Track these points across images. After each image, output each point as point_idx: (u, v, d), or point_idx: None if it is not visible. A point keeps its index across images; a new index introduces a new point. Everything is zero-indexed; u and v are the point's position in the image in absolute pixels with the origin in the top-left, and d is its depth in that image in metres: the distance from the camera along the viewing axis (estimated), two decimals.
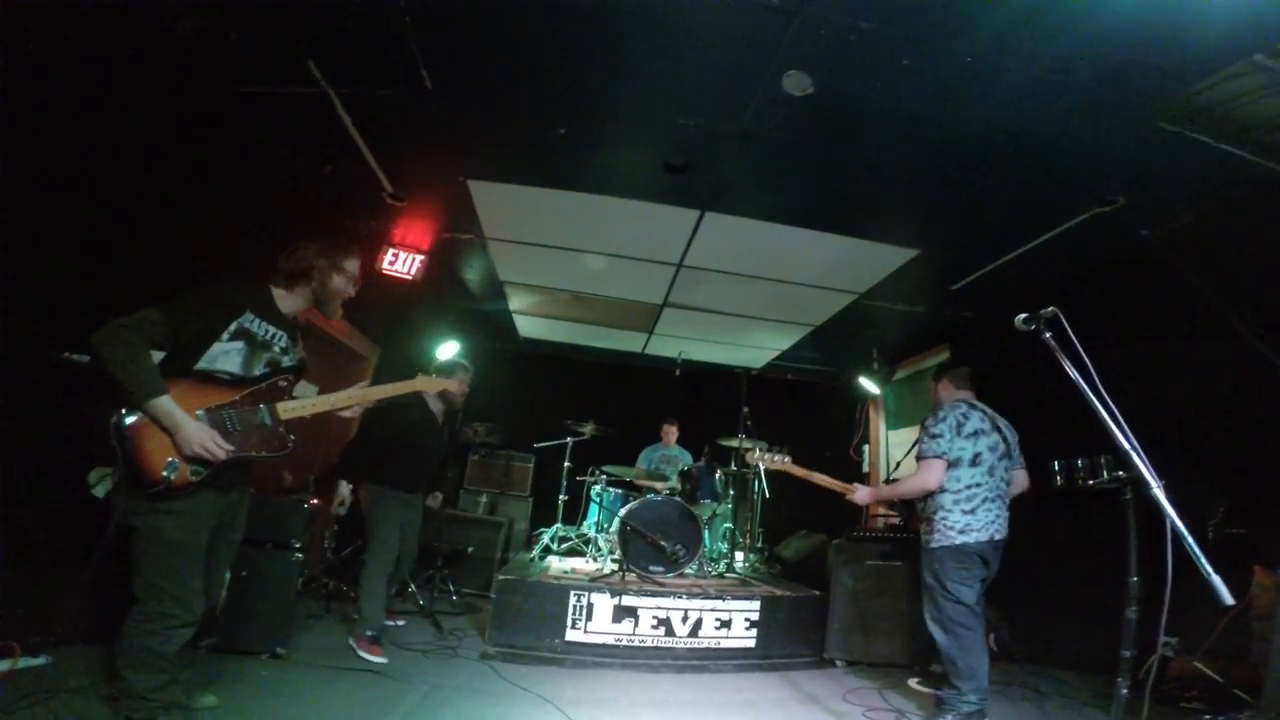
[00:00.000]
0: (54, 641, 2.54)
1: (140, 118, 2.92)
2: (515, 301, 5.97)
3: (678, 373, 5.95)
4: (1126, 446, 1.76)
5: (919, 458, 3.01)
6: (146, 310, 1.91)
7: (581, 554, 4.93)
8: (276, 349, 2.19)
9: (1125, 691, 1.87)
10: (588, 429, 5.59)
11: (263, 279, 2.28)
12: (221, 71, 2.92)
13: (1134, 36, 2.30)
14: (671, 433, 6.39)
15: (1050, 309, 2.01)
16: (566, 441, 5.62)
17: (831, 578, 3.98)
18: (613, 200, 3.93)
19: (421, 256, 4.62)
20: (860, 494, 3.26)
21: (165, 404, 1.88)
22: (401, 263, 4.58)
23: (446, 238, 4.60)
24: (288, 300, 2.28)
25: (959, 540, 2.87)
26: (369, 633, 3.28)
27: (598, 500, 5.21)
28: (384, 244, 4.54)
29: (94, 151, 2.74)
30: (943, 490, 2.96)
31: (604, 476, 5.24)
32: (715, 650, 3.70)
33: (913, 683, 3.43)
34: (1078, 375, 1.87)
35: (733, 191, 3.76)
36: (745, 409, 5.31)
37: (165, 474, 1.88)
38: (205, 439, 1.94)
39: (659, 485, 5.34)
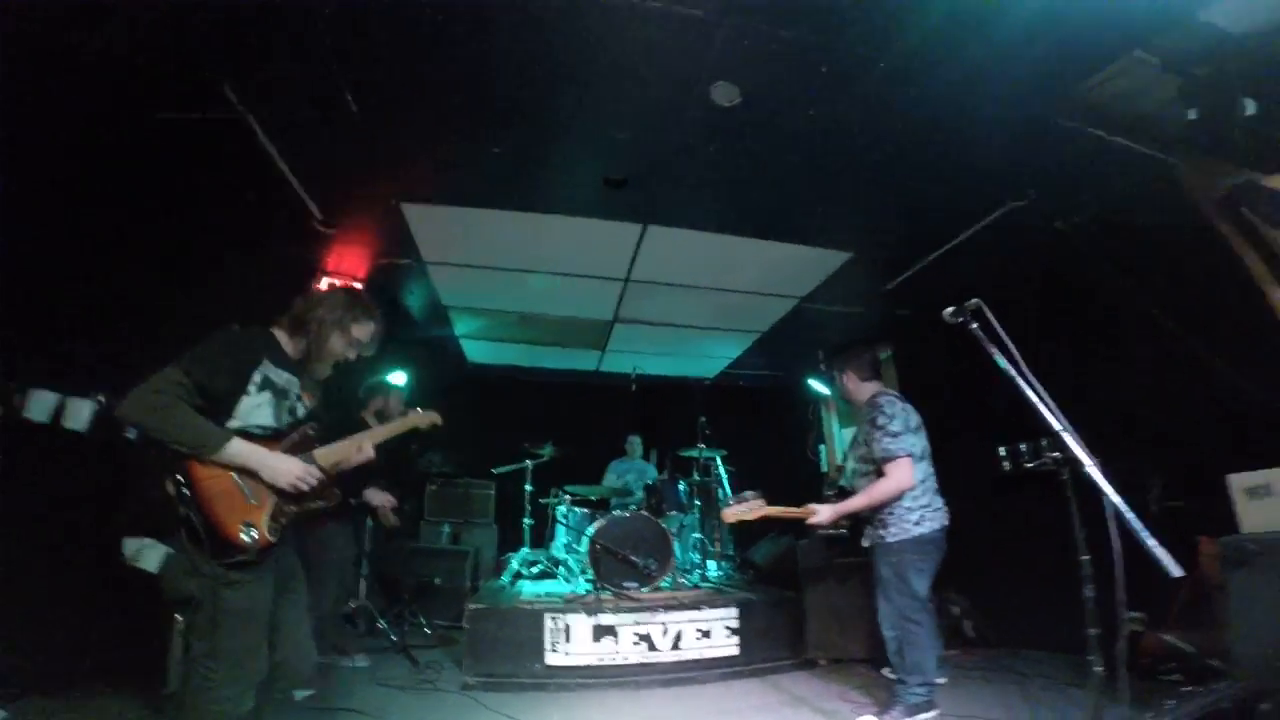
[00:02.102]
0: (14, 695, 2.45)
1: (54, 142, 2.72)
2: (461, 326, 5.83)
3: (634, 388, 5.91)
4: (1058, 427, 1.83)
5: (885, 459, 2.84)
6: (167, 370, 1.75)
7: (553, 576, 4.82)
8: (292, 396, 2.05)
9: (1099, 669, 1.91)
10: (546, 451, 5.48)
11: (267, 322, 2.11)
12: (135, 97, 2.73)
13: (1033, 37, 2.43)
14: (636, 446, 6.35)
15: (974, 301, 2.07)
16: (526, 465, 5.50)
17: (802, 578, 4.00)
18: (554, 218, 3.90)
19: (358, 284, 4.46)
20: (822, 514, 2.91)
21: (239, 445, 1.79)
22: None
23: (384, 263, 4.46)
24: (290, 346, 2.10)
25: (916, 531, 2.83)
26: None
27: (563, 521, 5.09)
28: (318, 273, 4.36)
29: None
30: None
31: (567, 497, 5.14)
32: (699, 661, 3.65)
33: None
34: (1005, 363, 1.94)
35: (673, 203, 3.78)
36: (702, 419, 5.33)
37: (245, 538, 1.77)
38: (296, 468, 1.86)
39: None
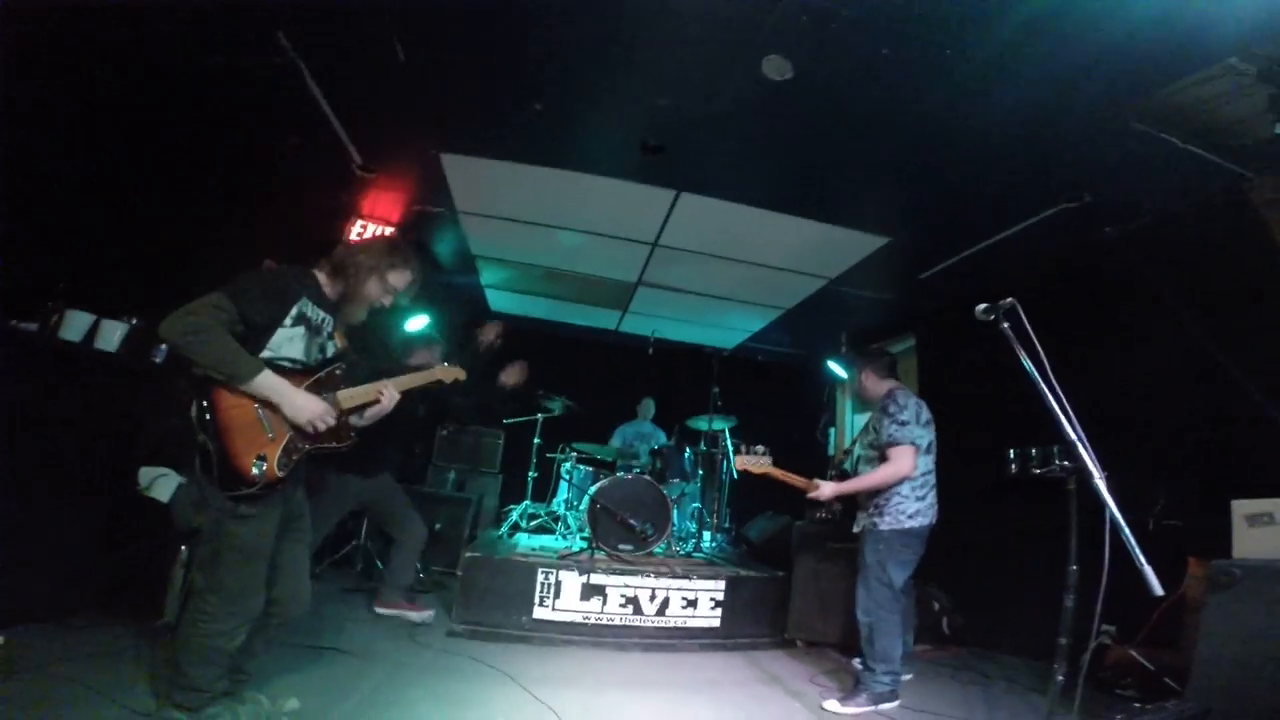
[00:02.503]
0: (8, 621, 2.48)
1: (105, 88, 2.79)
2: (488, 276, 5.88)
3: (650, 351, 5.95)
4: (1073, 437, 1.83)
5: (890, 444, 2.94)
6: (211, 295, 1.82)
7: (551, 531, 4.96)
8: (324, 334, 2.12)
9: (1061, 678, 1.96)
10: (556, 405, 5.57)
11: (308, 263, 2.18)
12: (186, 43, 2.77)
13: (1116, 33, 2.32)
14: (648, 408, 6.43)
15: (1009, 300, 2.06)
16: (536, 418, 5.61)
17: (794, 559, 4.08)
18: (589, 177, 3.88)
19: (390, 229, 4.51)
20: (825, 489, 3.04)
21: (269, 378, 1.85)
22: (370, 234, 4.47)
23: (417, 210, 4.49)
24: (329, 287, 2.18)
25: (908, 524, 2.94)
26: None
27: (567, 478, 5.23)
28: (352, 215, 4.42)
29: (56, 125, 2.62)
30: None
31: (574, 454, 5.25)
32: (681, 629, 3.78)
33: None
34: (1032, 366, 1.94)
35: (709, 173, 3.74)
36: (716, 389, 5.36)
37: (255, 471, 1.83)
38: (318, 409, 1.92)
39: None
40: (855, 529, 3.16)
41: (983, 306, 2.07)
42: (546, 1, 2.50)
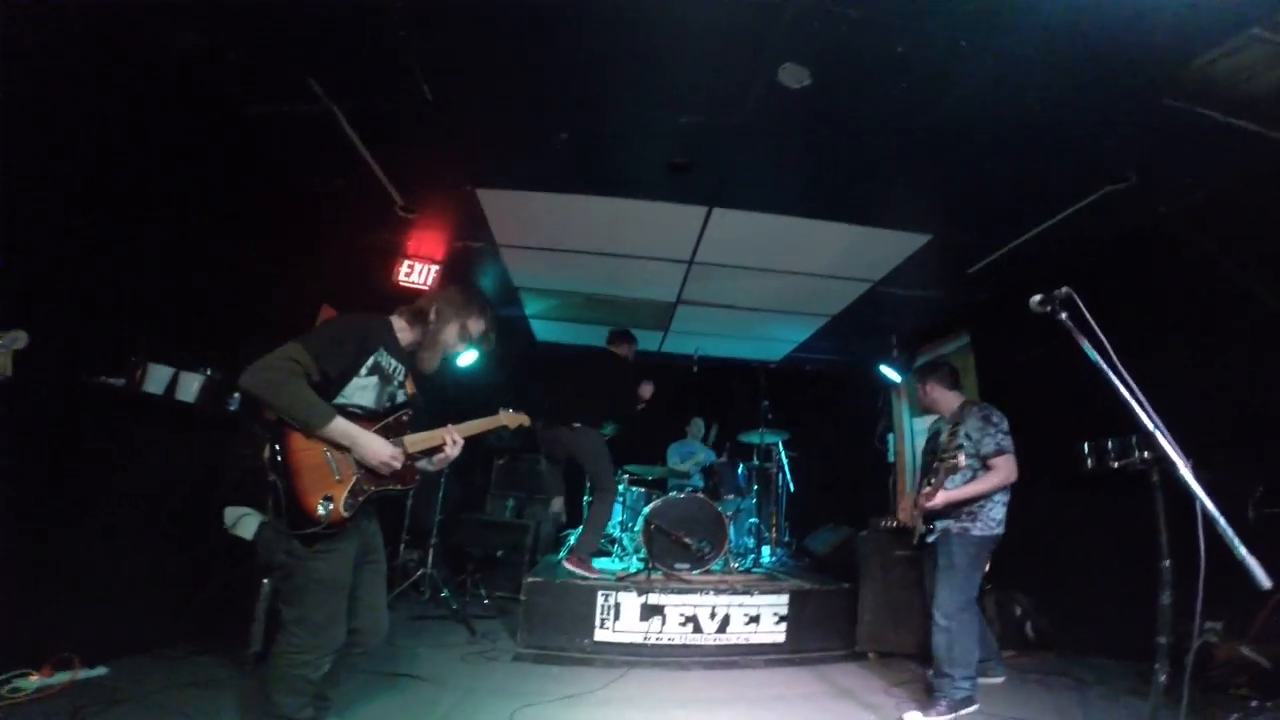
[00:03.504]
0: (111, 654, 2.66)
1: (147, 137, 2.97)
2: (531, 307, 6.01)
3: (695, 369, 5.94)
4: (1150, 426, 1.72)
5: (999, 453, 2.96)
6: (288, 347, 1.90)
7: (607, 554, 4.95)
8: (395, 383, 2.19)
9: (1163, 679, 1.82)
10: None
11: (386, 310, 2.28)
12: (225, 92, 2.97)
13: (1133, 10, 2.24)
14: (697, 428, 6.38)
15: (1064, 289, 1.95)
16: None
17: (861, 569, 3.94)
18: (620, 201, 3.94)
19: (436, 267, 4.67)
20: (938, 498, 2.95)
21: (341, 424, 1.93)
22: (417, 274, 4.63)
23: (459, 246, 4.65)
24: (406, 335, 2.26)
25: (996, 530, 2.96)
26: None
27: (621, 500, 5.22)
28: (399, 256, 4.60)
29: (98, 170, 2.77)
30: None
31: (626, 476, 5.25)
32: (744, 646, 3.70)
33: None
34: (1096, 355, 1.83)
35: (738, 186, 3.74)
36: (765, 402, 5.29)
37: (320, 512, 1.90)
38: (386, 451, 2.00)
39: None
40: (930, 537, 3.08)
41: (1037, 298, 1.97)
42: (563, 32, 2.57)
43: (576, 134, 3.26)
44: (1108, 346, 1.84)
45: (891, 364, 6.30)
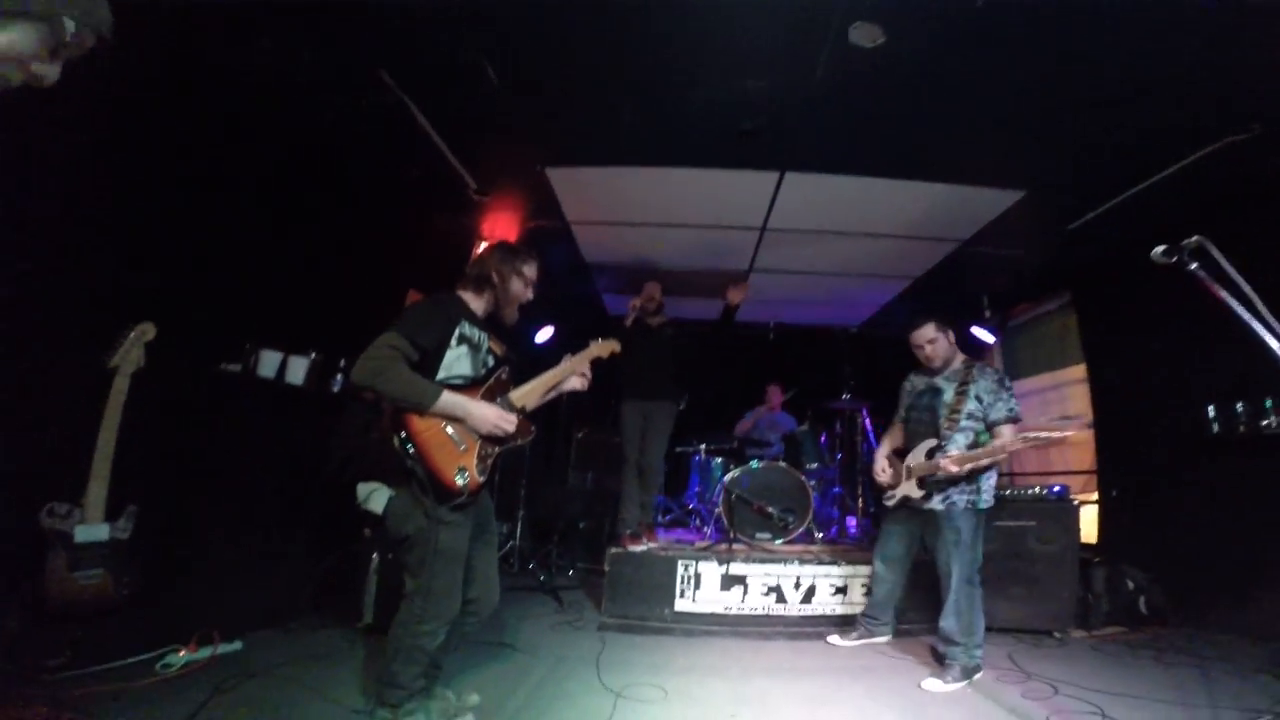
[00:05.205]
0: (245, 628, 2.88)
1: (239, 144, 3.18)
2: (602, 281, 6.07)
3: (771, 336, 5.82)
4: None
5: (1009, 420, 2.93)
6: (386, 335, 2.01)
7: (685, 525, 5.02)
8: (483, 349, 2.31)
9: None
10: (682, 400, 5.61)
11: (452, 286, 2.40)
12: (304, 89, 3.09)
13: None
14: (775, 395, 6.29)
15: (1195, 238, 1.77)
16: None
17: None
18: (689, 171, 3.89)
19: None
20: (956, 461, 2.88)
21: (450, 398, 2.04)
22: None
23: (532, 226, 4.73)
24: (477, 304, 2.37)
25: (994, 500, 3.01)
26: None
27: (698, 470, 5.26)
28: (476, 239, 4.75)
29: (199, 178, 2.98)
30: None
31: (703, 446, 5.26)
32: (830, 617, 3.66)
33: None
34: (1242, 309, 1.65)
35: (812, 148, 3.60)
36: (848, 368, 5.13)
37: (460, 483, 2.05)
38: (495, 416, 2.12)
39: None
40: (939, 505, 3.01)
41: (1161, 249, 1.78)
42: (625, 4, 2.52)
43: (643, 106, 3.22)
44: (1254, 297, 1.65)
45: (984, 326, 5.94)
